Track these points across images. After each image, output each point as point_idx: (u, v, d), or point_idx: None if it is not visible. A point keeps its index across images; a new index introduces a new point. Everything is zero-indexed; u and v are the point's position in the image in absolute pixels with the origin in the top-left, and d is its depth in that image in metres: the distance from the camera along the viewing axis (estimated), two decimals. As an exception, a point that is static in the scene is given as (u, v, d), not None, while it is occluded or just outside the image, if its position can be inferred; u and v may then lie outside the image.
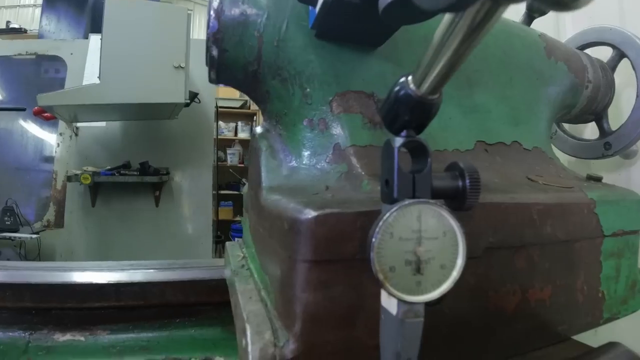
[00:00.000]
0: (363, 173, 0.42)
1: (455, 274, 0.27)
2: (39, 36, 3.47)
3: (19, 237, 2.64)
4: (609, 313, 0.55)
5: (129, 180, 2.56)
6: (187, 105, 2.44)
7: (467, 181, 0.28)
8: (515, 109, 0.60)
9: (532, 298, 0.44)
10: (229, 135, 4.89)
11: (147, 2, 2.57)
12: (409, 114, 0.27)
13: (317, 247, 0.32)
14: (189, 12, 2.44)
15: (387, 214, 0.25)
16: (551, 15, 1.01)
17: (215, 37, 0.46)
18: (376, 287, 0.27)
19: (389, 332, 0.28)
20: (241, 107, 4.86)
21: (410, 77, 0.27)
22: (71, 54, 2.99)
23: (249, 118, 5.01)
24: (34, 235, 2.63)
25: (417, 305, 0.26)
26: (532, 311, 0.45)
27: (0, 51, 3.13)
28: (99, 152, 2.76)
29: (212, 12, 0.46)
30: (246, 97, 4.89)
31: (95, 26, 3.19)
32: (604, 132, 0.82)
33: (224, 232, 4.13)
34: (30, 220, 2.84)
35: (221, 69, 0.48)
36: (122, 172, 2.57)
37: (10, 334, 0.70)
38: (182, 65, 2.30)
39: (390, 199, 0.27)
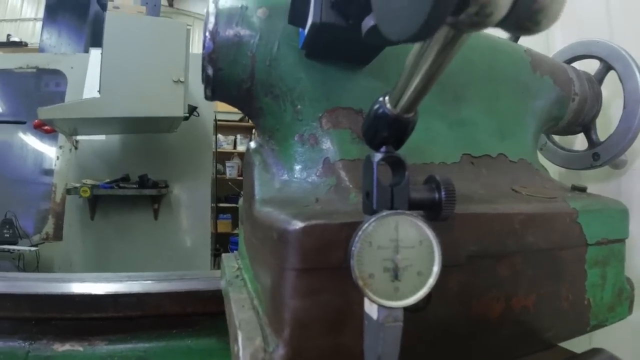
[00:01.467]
0: (351, 186, 0.44)
1: (431, 280, 0.28)
2: (40, 50, 3.51)
3: (18, 250, 2.66)
4: (596, 320, 0.56)
5: (128, 193, 2.59)
6: (186, 118, 2.47)
7: (443, 193, 0.30)
8: (502, 122, 0.62)
9: (516, 305, 0.46)
10: (228, 148, 4.93)
11: (147, 17, 2.63)
12: (387, 131, 0.29)
13: (305, 256, 0.34)
14: (188, 27, 2.48)
15: (366, 224, 0.27)
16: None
17: (211, 57, 0.48)
18: (361, 295, 0.29)
19: (371, 337, 0.30)
20: (240, 120, 4.90)
21: (387, 97, 0.29)
22: (72, 67, 3.03)
23: (247, 131, 5.05)
24: (33, 248, 2.65)
25: (396, 310, 0.28)
26: (516, 318, 0.46)
27: (2, 64, 3.18)
28: (99, 165, 2.79)
29: (207, 33, 0.48)
30: (245, 110, 4.92)
31: (96, 40, 3.23)
32: (592, 143, 0.84)
33: (222, 245, 4.15)
34: (29, 233, 2.86)
35: (216, 87, 0.50)
36: (121, 185, 2.60)
37: (11, 343, 0.72)
38: (182, 79, 2.34)
39: (370, 211, 0.29)
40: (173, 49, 2.39)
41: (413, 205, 0.30)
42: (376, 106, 0.29)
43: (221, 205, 4.36)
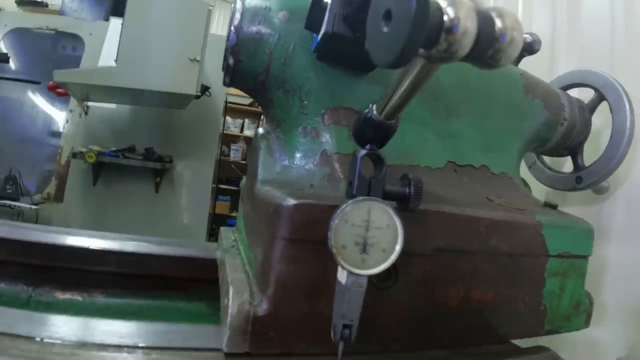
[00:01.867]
0: (342, 177, 0.51)
1: (393, 257, 0.35)
2: (61, 12, 3.56)
3: (19, 206, 2.73)
4: (550, 326, 0.63)
5: (132, 164, 2.67)
6: (197, 97, 2.54)
7: (412, 189, 0.37)
8: (488, 137, 0.68)
9: (474, 298, 0.53)
10: (235, 131, 5.00)
11: (171, -7, 2.68)
12: (372, 133, 0.36)
13: (294, 229, 0.41)
14: (210, 7, 2.54)
15: (345, 205, 0.34)
16: (545, 54, 1.11)
17: (233, 49, 0.55)
18: (335, 263, 0.36)
19: (339, 298, 0.37)
20: (250, 104, 4.96)
21: (375, 105, 0.36)
22: (90, 34, 3.10)
23: (256, 116, 5.11)
24: (34, 206, 2.73)
25: (362, 277, 0.35)
26: (473, 310, 0.53)
27: (22, 23, 3.25)
28: (106, 132, 2.87)
29: (232, 28, 0.55)
30: (256, 96, 5.05)
31: (116, 9, 3.29)
32: (577, 166, 0.90)
33: (219, 226, 4.22)
34: (31, 191, 2.94)
35: (235, 76, 0.57)
36: (126, 154, 2.67)
37: (15, 287, 0.79)
38: (198, 58, 2.40)
39: (350, 195, 0.36)
40: (193, 27, 2.45)
41: (386, 196, 0.37)
42: (366, 111, 0.36)
43: (221, 186, 4.42)
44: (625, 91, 0.86)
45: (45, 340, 0.46)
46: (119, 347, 0.45)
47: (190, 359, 0.43)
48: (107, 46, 2.92)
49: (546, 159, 1.03)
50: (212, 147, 3.11)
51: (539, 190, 1.04)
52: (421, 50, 0.27)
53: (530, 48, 0.87)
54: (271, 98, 0.58)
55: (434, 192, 0.54)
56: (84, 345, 0.45)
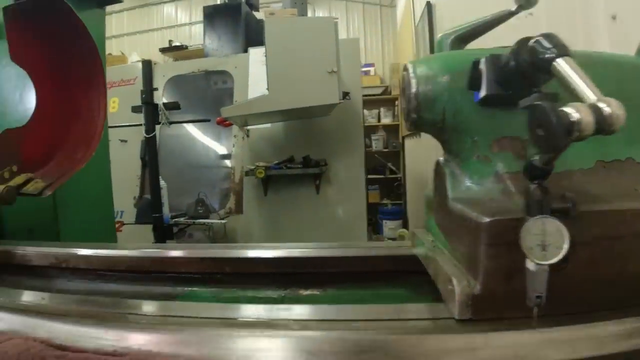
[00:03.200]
0: (513, 190, 0.74)
1: (563, 252, 0.57)
2: (205, 54, 4.20)
3: (211, 223, 3.40)
4: None
5: (294, 172, 3.14)
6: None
7: (571, 204, 0.58)
8: (630, 132, 0.82)
9: (631, 270, 0.69)
10: (373, 121, 5.30)
11: (300, 18, 3.07)
12: (538, 172, 0.59)
13: (490, 237, 0.65)
14: (335, 21, 2.84)
15: (527, 222, 0.57)
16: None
17: (416, 109, 0.80)
18: (524, 257, 0.59)
19: (530, 279, 0.60)
20: (382, 93, 5.21)
21: (538, 157, 0.58)
22: (235, 67, 3.66)
23: (390, 103, 5.34)
24: (222, 221, 3.37)
25: (545, 265, 0.58)
26: (632, 278, 0.70)
27: (176, 71, 3.98)
28: (267, 149, 3.40)
29: (412, 93, 0.80)
30: (387, 84, 5.37)
31: (250, 40, 3.82)
32: None
33: (373, 215, 4.57)
34: (215, 209, 3.61)
35: (418, 126, 0.83)
36: (288, 165, 3.16)
37: (271, 290, 1.15)
38: (335, 69, 2.73)
39: (530, 214, 0.59)
40: (324, 42, 2.78)
41: (553, 211, 0.59)
42: (532, 159, 0.59)
43: (369, 177, 4.73)
44: None
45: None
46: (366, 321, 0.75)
47: (432, 325, 0.70)
48: (252, 74, 3.44)
49: None
50: (359, 142, 3.46)
51: None
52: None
53: None
54: (447, 138, 0.82)
55: (588, 191, 0.73)
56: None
